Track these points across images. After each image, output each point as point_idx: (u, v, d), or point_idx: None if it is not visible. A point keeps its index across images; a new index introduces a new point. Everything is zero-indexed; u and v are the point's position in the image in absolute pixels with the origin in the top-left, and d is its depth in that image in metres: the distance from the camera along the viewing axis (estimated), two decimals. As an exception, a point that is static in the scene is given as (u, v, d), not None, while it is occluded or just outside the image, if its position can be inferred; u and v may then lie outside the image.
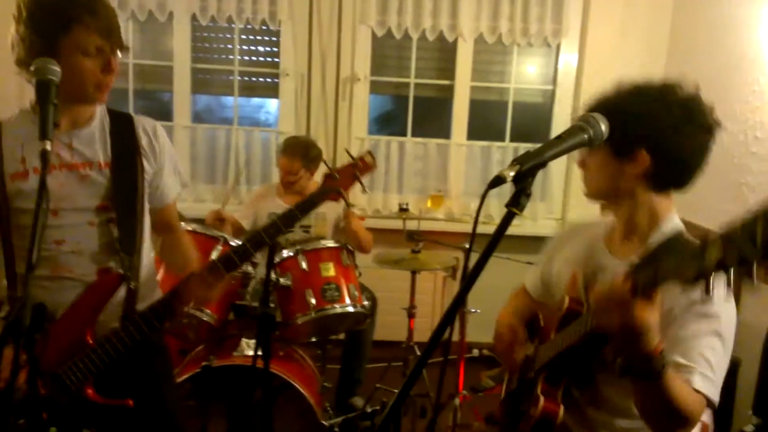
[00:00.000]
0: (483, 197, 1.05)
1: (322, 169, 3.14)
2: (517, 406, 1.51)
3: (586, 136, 1.10)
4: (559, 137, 1.09)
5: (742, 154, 2.99)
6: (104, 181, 1.58)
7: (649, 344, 1.10)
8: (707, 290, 0.92)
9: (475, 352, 3.93)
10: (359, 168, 1.70)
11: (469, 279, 1.11)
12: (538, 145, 1.10)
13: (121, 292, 1.57)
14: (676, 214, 1.38)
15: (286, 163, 3.12)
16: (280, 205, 3.15)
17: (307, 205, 1.64)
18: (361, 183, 1.74)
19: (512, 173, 1.01)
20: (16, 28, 1.47)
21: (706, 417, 1.26)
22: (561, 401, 1.38)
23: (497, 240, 1.06)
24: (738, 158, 3.01)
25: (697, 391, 1.21)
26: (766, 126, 2.83)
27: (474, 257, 1.07)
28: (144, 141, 1.66)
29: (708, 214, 3.11)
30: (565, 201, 4.10)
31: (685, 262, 0.95)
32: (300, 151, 3.18)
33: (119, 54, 1.53)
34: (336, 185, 1.68)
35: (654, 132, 1.30)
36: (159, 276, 2.32)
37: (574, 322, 1.32)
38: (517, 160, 1.03)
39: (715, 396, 1.24)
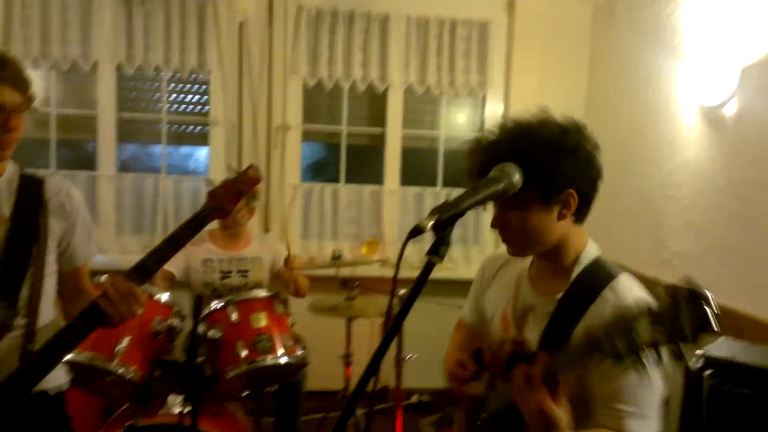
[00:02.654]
0: (403, 247, 1.06)
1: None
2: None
3: (500, 186, 1.14)
4: (474, 188, 1.13)
5: (659, 198, 3.14)
6: (2, 234, 1.54)
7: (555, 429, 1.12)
8: (642, 365, 0.95)
9: (414, 398, 3.90)
10: (243, 182, 1.66)
11: (392, 327, 1.12)
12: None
13: (11, 350, 1.50)
14: (591, 243, 1.40)
15: None
16: (213, 250, 3.08)
17: (193, 225, 1.59)
18: (247, 197, 1.70)
19: (431, 223, 1.03)
20: None
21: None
22: None
23: (419, 288, 1.09)
24: (655, 202, 3.16)
25: None
26: (679, 172, 3.00)
27: (419, 304, 1.08)
28: (53, 201, 1.62)
29: (627, 254, 3.25)
30: (497, 243, 4.18)
31: (615, 336, 0.98)
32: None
33: (25, 111, 1.49)
34: (221, 202, 1.64)
35: (577, 170, 1.30)
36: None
37: (503, 386, 1.33)
38: (436, 210, 1.06)
39: (653, 429, 1.25)
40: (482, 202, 1.15)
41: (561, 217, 1.33)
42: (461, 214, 1.09)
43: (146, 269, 1.51)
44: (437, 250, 1.06)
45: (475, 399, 1.54)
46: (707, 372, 1.79)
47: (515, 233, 1.37)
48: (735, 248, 2.59)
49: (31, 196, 1.59)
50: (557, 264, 1.39)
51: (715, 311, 0.91)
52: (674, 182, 3.04)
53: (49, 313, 1.63)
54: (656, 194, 3.16)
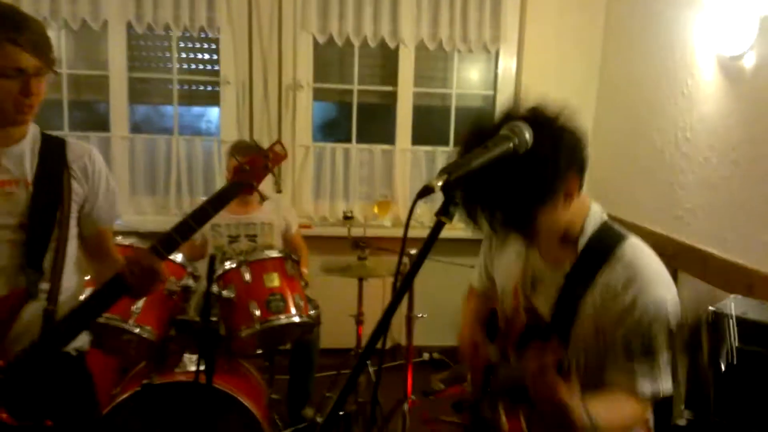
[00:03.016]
0: (412, 208, 1.06)
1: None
2: (481, 415, 1.51)
3: (511, 144, 1.11)
4: (485, 146, 1.10)
5: (672, 154, 3.09)
6: (27, 199, 1.54)
7: (571, 419, 1.13)
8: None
9: (425, 355, 3.96)
10: (270, 158, 1.66)
11: (401, 287, 1.11)
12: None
13: (36, 313, 1.52)
14: (594, 206, 1.37)
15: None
16: (224, 215, 3.09)
17: (219, 200, 1.61)
18: (273, 174, 1.71)
19: (440, 183, 1.01)
20: None
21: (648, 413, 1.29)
22: (524, 420, 1.37)
23: (428, 248, 1.07)
24: (669, 158, 3.11)
25: (645, 395, 1.24)
26: (696, 127, 2.94)
27: (429, 263, 1.08)
28: (76, 164, 1.63)
29: (641, 212, 3.22)
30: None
31: (635, 357, 1.03)
32: (250, 150, 3.15)
33: (46, 75, 1.48)
34: (247, 178, 1.65)
35: (563, 162, 1.24)
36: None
37: (517, 360, 1.33)
38: (445, 170, 1.03)
39: (663, 388, 1.26)
40: (493, 161, 1.10)
41: (566, 202, 1.29)
42: (472, 173, 1.06)
43: (172, 242, 1.55)
44: (447, 211, 1.03)
45: (486, 366, 1.56)
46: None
47: (534, 238, 1.39)
48: (748, 205, 2.55)
49: (54, 160, 1.60)
50: (564, 238, 1.37)
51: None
52: (690, 138, 2.98)
53: (71, 276, 1.65)
54: (671, 150, 3.11)
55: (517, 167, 1.17)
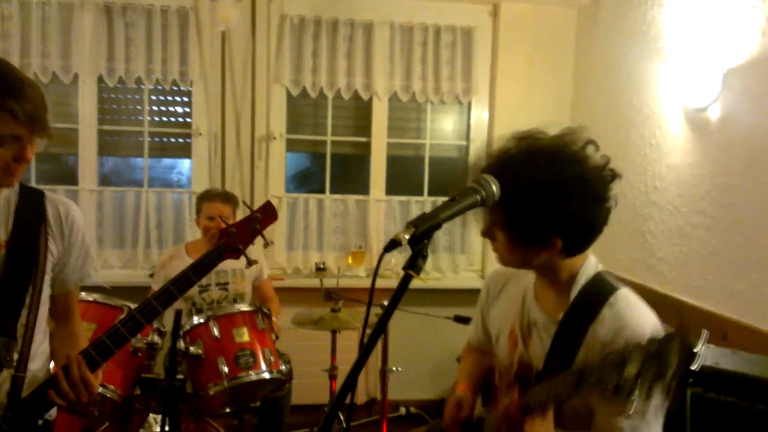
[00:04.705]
0: (379, 262, 1.08)
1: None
2: None
3: (478, 197, 1.13)
4: (452, 199, 1.12)
5: (643, 203, 3.13)
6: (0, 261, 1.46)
7: None
8: (627, 399, 0.97)
9: (402, 410, 3.86)
10: (258, 221, 1.62)
11: (369, 341, 1.10)
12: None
13: (4, 380, 1.44)
14: (590, 258, 1.40)
15: (222, 208, 3.04)
16: (190, 263, 3.01)
17: (203, 265, 1.54)
18: (263, 237, 1.65)
19: (407, 236, 1.03)
20: None
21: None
22: None
23: (396, 302, 1.09)
24: (640, 208, 3.14)
25: None
26: (665, 177, 2.98)
27: (403, 315, 1.08)
28: (53, 221, 1.55)
29: (615, 261, 3.23)
30: (484, 253, 4.16)
31: (606, 371, 1.00)
32: (231, 197, 3.15)
33: (38, 142, 1.44)
34: (234, 242, 1.60)
35: (563, 219, 1.28)
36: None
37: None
38: (413, 223, 1.04)
39: None
40: (459, 214, 1.13)
41: (544, 253, 1.33)
42: (438, 226, 1.08)
43: (153, 310, 1.49)
44: (414, 264, 1.06)
45: (464, 422, 1.52)
46: (690, 380, 1.76)
47: (500, 250, 1.40)
48: (719, 254, 2.57)
49: (31, 217, 1.52)
50: (555, 281, 1.40)
51: (701, 356, 0.93)
52: (659, 187, 3.02)
53: (41, 340, 1.57)
54: (641, 200, 3.14)
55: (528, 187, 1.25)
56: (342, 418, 2.65)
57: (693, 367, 0.91)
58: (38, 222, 1.53)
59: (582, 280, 1.36)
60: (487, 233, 1.41)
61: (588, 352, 1.29)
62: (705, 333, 0.95)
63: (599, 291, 1.35)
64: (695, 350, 0.91)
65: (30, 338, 1.49)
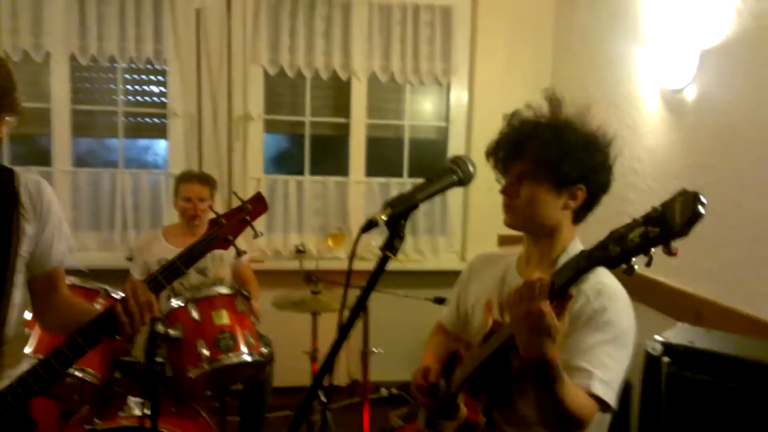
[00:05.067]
0: (356, 241, 1.08)
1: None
2: (437, 420, 1.51)
3: (455, 177, 1.14)
4: (429, 179, 1.12)
5: (620, 185, 3.14)
6: None
7: (549, 348, 1.12)
8: (629, 270, 0.99)
9: (383, 391, 3.89)
10: (248, 212, 1.60)
11: (347, 322, 1.11)
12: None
13: None
14: (577, 238, 1.48)
15: (200, 190, 3.01)
16: (168, 248, 2.98)
17: (192, 255, 1.53)
18: (252, 228, 1.63)
19: (385, 217, 1.04)
20: None
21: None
22: (482, 413, 1.41)
23: (373, 282, 1.11)
24: (619, 189, 3.16)
25: (595, 396, 1.27)
26: (643, 158, 3.01)
27: (384, 297, 1.09)
28: (26, 199, 1.50)
29: (592, 241, 3.26)
30: (464, 235, 4.18)
31: (609, 245, 1.01)
32: (208, 179, 3.12)
33: (8, 119, 1.40)
34: (223, 232, 1.58)
35: (591, 168, 1.41)
36: (35, 339, 2.14)
37: (494, 335, 1.35)
38: (389, 204, 1.05)
39: (611, 399, 1.30)
40: (436, 194, 1.18)
41: (565, 207, 1.42)
42: (415, 206, 1.10)
43: None
44: (391, 244, 1.07)
45: (431, 385, 1.55)
46: (665, 359, 1.80)
47: (520, 206, 1.43)
48: (693, 234, 2.61)
49: (3, 198, 1.48)
50: (544, 253, 1.46)
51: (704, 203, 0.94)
52: (636, 168, 3.05)
53: (16, 326, 1.54)
54: (619, 181, 3.15)
55: (581, 138, 1.41)
56: (323, 399, 2.66)
57: (698, 219, 0.93)
58: (11, 201, 1.49)
59: (570, 253, 1.42)
60: (509, 189, 1.45)
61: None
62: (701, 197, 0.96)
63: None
64: (700, 209, 0.92)
65: (3, 322, 1.47)
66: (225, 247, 1.60)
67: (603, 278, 1.38)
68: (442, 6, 3.97)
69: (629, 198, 3.08)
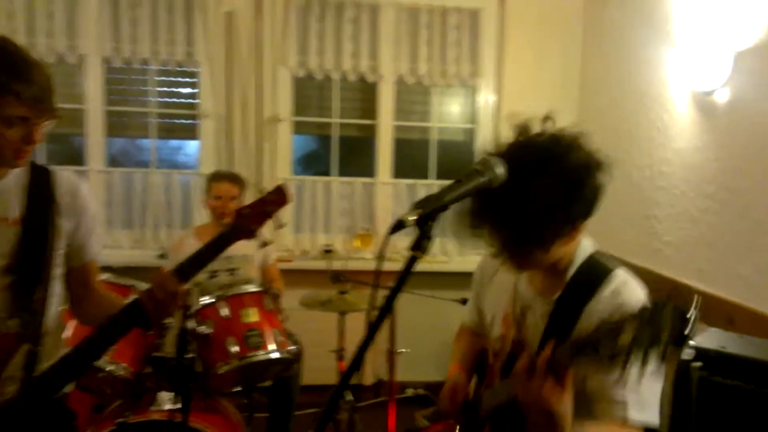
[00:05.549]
0: (385, 242, 1.06)
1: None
2: None
3: (484, 179, 1.13)
4: (458, 181, 1.12)
5: (648, 188, 3.13)
6: (12, 239, 1.49)
7: (560, 428, 1.11)
8: (623, 367, 0.95)
9: (409, 391, 3.90)
10: (271, 203, 1.63)
11: (375, 322, 1.11)
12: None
13: (21, 355, 1.46)
14: (584, 241, 1.39)
15: (230, 189, 3.09)
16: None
17: (217, 246, 1.56)
18: (276, 219, 1.66)
19: (414, 218, 1.03)
20: None
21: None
22: None
23: (402, 283, 1.09)
24: (645, 192, 3.15)
25: (635, 423, 1.22)
26: (671, 161, 2.98)
27: (411, 298, 1.07)
28: (63, 198, 1.58)
29: (619, 245, 3.24)
30: (490, 235, 4.16)
31: (602, 340, 0.98)
32: (238, 178, 3.18)
33: (46, 123, 1.46)
34: (247, 223, 1.61)
35: (584, 205, 1.27)
36: (70, 331, 2.20)
37: (503, 382, 1.33)
38: (419, 205, 1.05)
39: (653, 418, 1.25)
40: (465, 196, 1.14)
41: (571, 239, 1.31)
42: (444, 208, 1.08)
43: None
44: (420, 245, 1.06)
45: (464, 402, 1.54)
46: (696, 364, 1.78)
47: (529, 263, 1.35)
48: (726, 238, 2.58)
49: (41, 195, 1.55)
50: (554, 267, 1.38)
51: (694, 320, 0.91)
52: (665, 171, 3.02)
53: (54, 316, 1.60)
54: (647, 184, 3.14)
55: (549, 203, 1.20)
56: (349, 397, 2.68)
57: (686, 332, 0.91)
58: (49, 199, 1.55)
59: (578, 260, 1.36)
60: (526, 263, 1.34)
61: (581, 328, 1.28)
62: (696, 298, 0.95)
63: (595, 271, 1.34)
64: (688, 315, 0.91)
65: (44, 313, 1.53)
66: (249, 238, 1.62)
67: (621, 287, 1.30)
68: (469, 8, 3.98)
69: (657, 201, 3.05)
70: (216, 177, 3.18)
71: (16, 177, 1.54)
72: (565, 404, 1.11)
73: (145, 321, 1.49)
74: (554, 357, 1.09)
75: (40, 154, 3.76)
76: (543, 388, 1.09)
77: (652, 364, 0.93)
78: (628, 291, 1.30)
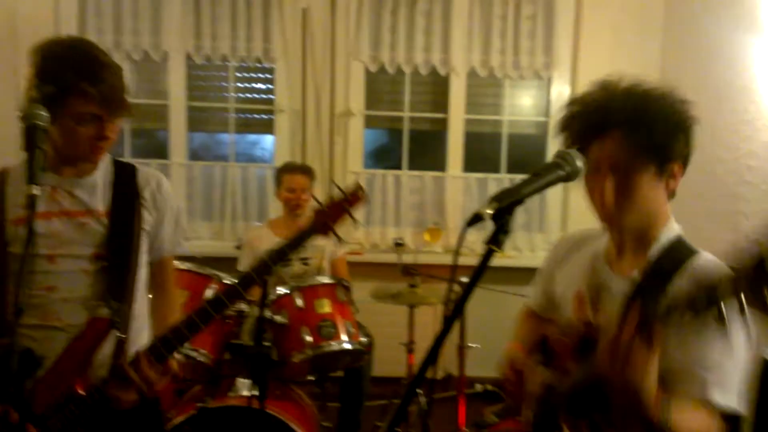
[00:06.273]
0: (461, 236, 1.05)
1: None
2: None
3: (562, 172, 1.10)
4: (536, 174, 1.10)
5: (735, 182, 2.99)
6: (101, 230, 1.58)
7: (646, 407, 1.08)
8: (720, 317, 0.92)
9: (478, 387, 3.88)
10: (349, 201, 1.67)
11: (451, 315, 1.11)
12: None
13: (110, 341, 1.54)
14: (672, 221, 1.34)
15: (303, 181, 3.16)
16: (275, 240, 3.11)
17: (297, 241, 1.61)
18: (352, 216, 1.70)
19: (490, 211, 1.01)
20: (28, 75, 1.47)
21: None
22: None
23: (478, 277, 1.07)
24: (732, 187, 3.01)
25: (715, 405, 1.18)
26: (759, 154, 2.84)
27: (482, 292, 1.07)
28: (146, 192, 1.66)
29: (705, 243, 3.11)
30: (563, 230, 4.09)
31: (698, 292, 0.96)
32: (309, 170, 3.25)
33: (119, 120, 1.54)
34: (326, 220, 1.66)
35: (687, 144, 1.29)
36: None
37: (581, 364, 1.30)
38: (496, 198, 1.04)
39: (736, 404, 1.20)
40: (543, 189, 1.11)
41: (666, 187, 1.30)
42: (521, 201, 1.06)
43: (250, 280, 1.57)
44: (496, 239, 1.04)
45: (542, 390, 1.51)
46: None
47: (624, 198, 1.29)
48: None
49: (126, 189, 1.63)
50: (636, 241, 1.34)
51: None
52: (753, 166, 2.88)
53: (141, 303, 1.68)
54: (732, 179, 3.01)
55: (664, 116, 1.26)
56: (421, 391, 2.70)
57: None
58: (133, 193, 1.64)
59: (663, 240, 1.31)
60: (603, 180, 1.30)
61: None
62: None
63: (681, 252, 1.29)
64: None
65: (131, 301, 1.61)
66: (326, 233, 1.67)
67: (709, 266, 1.25)
68: (545, -1, 3.90)
69: (744, 196, 2.92)
70: (289, 169, 3.25)
71: (104, 173, 1.63)
72: (651, 377, 1.08)
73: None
74: (644, 317, 1.05)
75: (126, 148, 3.96)
76: (631, 361, 1.06)
77: (745, 324, 0.90)
78: (715, 267, 1.24)
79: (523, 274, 3.65)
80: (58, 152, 1.53)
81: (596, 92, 1.33)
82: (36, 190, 1.26)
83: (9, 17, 3.65)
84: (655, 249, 1.31)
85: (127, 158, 3.90)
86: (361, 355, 2.78)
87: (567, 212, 4.06)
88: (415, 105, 4.10)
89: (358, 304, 2.89)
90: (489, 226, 1.03)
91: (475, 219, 1.02)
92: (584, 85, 4.09)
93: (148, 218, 1.66)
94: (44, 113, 1.33)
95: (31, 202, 1.25)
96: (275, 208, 3.76)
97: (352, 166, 4.04)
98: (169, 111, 3.98)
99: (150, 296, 1.78)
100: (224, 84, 4.03)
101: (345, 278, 3.23)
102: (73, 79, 1.43)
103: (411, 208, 4.10)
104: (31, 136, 1.31)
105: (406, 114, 4.09)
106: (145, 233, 1.66)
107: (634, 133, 1.24)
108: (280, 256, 1.59)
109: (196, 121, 4.06)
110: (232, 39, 3.86)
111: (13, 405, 1.28)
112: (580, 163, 1.13)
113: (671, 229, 1.33)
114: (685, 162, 1.31)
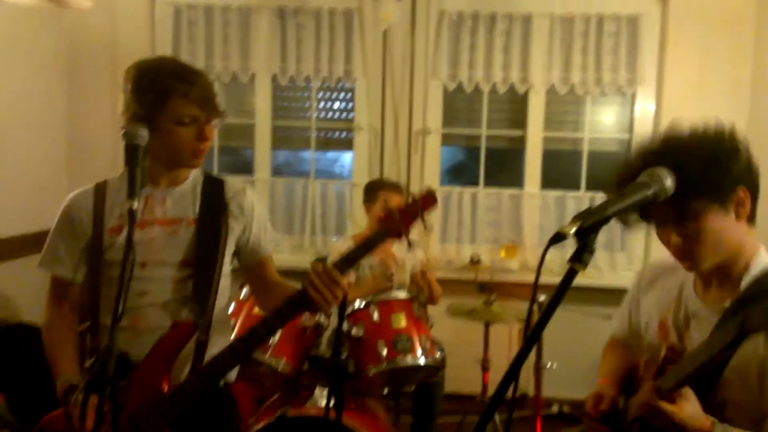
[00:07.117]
0: (543, 254, 1.05)
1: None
2: None
3: (650, 192, 1.09)
4: (622, 193, 1.09)
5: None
6: (190, 237, 1.68)
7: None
8: None
9: (554, 408, 3.80)
10: (419, 206, 1.68)
11: (532, 334, 1.11)
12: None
13: (192, 343, 1.63)
14: (762, 248, 1.32)
15: (398, 200, 3.07)
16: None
17: (368, 245, 1.63)
18: (423, 221, 1.72)
19: (573, 230, 1.01)
20: (124, 93, 1.60)
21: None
22: None
23: (560, 296, 1.07)
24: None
25: None
26: None
27: (560, 311, 1.07)
28: (233, 202, 1.75)
29: None
30: (647, 251, 3.96)
31: None
32: (403, 190, 3.26)
33: (215, 121, 1.64)
34: (397, 224, 1.67)
35: (741, 169, 1.26)
36: (239, 327, 2.40)
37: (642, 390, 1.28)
38: (579, 216, 1.04)
39: None
40: (629, 209, 1.11)
41: (738, 216, 1.27)
42: (606, 221, 1.05)
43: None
44: (580, 258, 1.03)
45: (607, 413, 1.50)
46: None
47: (693, 244, 1.29)
48: None
49: (214, 200, 1.73)
50: (726, 273, 1.32)
51: None
52: None
53: (221, 309, 1.76)
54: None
55: (703, 151, 1.24)
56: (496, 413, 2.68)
57: None
58: (220, 203, 1.73)
59: (755, 270, 1.28)
60: (677, 237, 1.31)
61: (757, 341, 1.20)
62: None
63: None
64: None
65: (214, 305, 1.69)
66: (398, 238, 1.68)
67: None
68: (628, 15, 3.83)
69: None
70: (386, 187, 3.23)
71: (193, 183, 1.74)
72: (685, 408, 1.12)
73: (311, 306, 1.56)
74: (658, 390, 1.08)
75: (213, 165, 4.17)
76: (661, 411, 1.11)
77: None
78: None
79: (603, 295, 3.60)
80: (161, 160, 1.63)
81: (644, 145, 1.33)
82: (135, 205, 1.35)
83: (110, 45, 3.93)
84: (747, 279, 1.29)
85: (214, 174, 4.12)
86: (435, 371, 2.79)
87: (650, 231, 3.92)
88: (492, 122, 4.10)
89: (434, 319, 2.91)
90: (568, 245, 1.02)
91: (558, 237, 1.02)
92: (670, 101, 4.01)
93: (234, 226, 1.74)
94: (144, 132, 1.43)
95: (131, 215, 1.34)
96: (355, 224, 3.85)
97: (428, 182, 4.07)
98: (255, 130, 4.16)
99: (260, 298, 1.91)
100: (307, 104, 4.17)
101: (438, 290, 3.22)
102: (171, 83, 1.55)
103: (487, 226, 4.09)
104: (131, 153, 1.41)
105: (483, 132, 4.09)
106: (232, 241, 1.74)
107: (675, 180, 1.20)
108: (353, 260, 1.62)
109: (280, 139, 4.22)
110: (315, 61, 4.00)
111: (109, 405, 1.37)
112: (669, 182, 1.11)
113: (762, 259, 1.30)
114: (750, 183, 1.27)
